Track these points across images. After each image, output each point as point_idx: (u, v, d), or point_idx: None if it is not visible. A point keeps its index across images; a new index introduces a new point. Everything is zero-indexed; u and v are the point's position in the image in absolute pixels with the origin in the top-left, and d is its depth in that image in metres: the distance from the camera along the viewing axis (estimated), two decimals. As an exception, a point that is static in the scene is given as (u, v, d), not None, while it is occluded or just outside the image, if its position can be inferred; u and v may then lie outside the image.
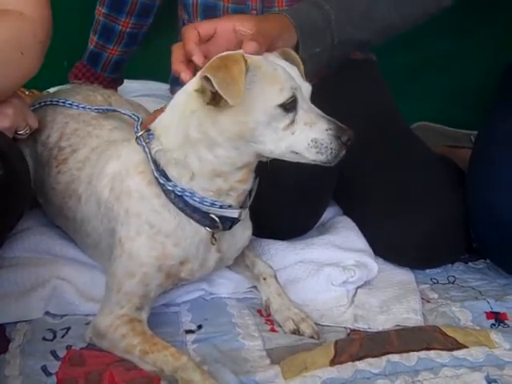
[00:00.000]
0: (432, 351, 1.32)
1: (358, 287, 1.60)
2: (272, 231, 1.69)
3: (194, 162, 1.34)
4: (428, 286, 1.65)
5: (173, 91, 2.22)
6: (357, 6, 1.58)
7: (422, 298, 1.57)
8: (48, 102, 1.71)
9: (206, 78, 1.23)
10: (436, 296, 1.60)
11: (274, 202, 1.63)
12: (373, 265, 1.63)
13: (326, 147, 1.27)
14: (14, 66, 1.41)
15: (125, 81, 2.35)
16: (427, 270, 1.71)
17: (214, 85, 1.21)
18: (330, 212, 1.85)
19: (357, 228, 1.76)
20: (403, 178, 1.75)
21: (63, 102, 1.69)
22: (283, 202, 1.65)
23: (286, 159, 1.32)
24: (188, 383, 1.23)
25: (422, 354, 1.32)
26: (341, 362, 1.30)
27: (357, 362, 1.30)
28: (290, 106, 1.26)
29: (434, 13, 1.73)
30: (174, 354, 1.28)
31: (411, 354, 1.32)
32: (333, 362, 1.30)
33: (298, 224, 1.73)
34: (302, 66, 1.37)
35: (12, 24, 1.44)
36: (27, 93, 2.03)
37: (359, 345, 1.34)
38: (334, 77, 1.92)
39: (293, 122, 1.27)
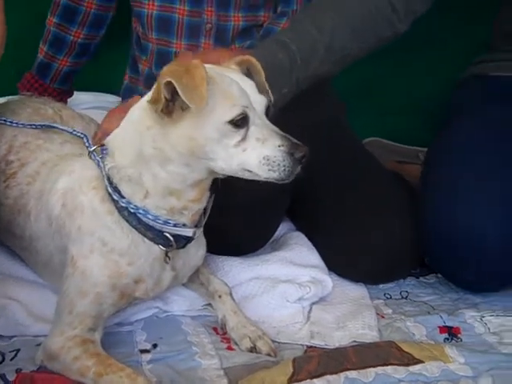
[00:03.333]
0: (389, 367, 1.33)
1: (313, 303, 1.60)
2: (225, 248, 1.67)
3: (148, 179, 1.31)
4: (382, 301, 1.66)
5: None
6: (320, 40, 1.60)
7: (377, 314, 1.58)
8: None
9: (168, 84, 1.20)
10: (390, 311, 1.61)
11: (226, 219, 1.61)
12: (327, 281, 1.63)
13: (279, 164, 1.25)
14: None
15: (75, 92, 2.30)
16: (380, 286, 1.73)
17: (178, 90, 1.18)
18: (283, 228, 1.85)
19: (310, 244, 1.76)
20: (355, 194, 1.76)
21: (4, 121, 1.63)
22: (236, 219, 1.64)
23: (239, 176, 1.30)
24: (145, 405, 1.21)
25: (379, 369, 1.32)
26: (299, 380, 1.29)
27: (315, 380, 1.29)
28: (240, 123, 1.24)
29: (391, 38, 1.76)
30: (129, 375, 1.25)
31: (368, 370, 1.32)
32: (291, 380, 1.29)
33: (251, 241, 1.72)
34: (262, 75, 1.35)
35: None
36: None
37: (317, 362, 1.33)
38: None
39: (244, 138, 1.25)
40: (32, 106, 1.73)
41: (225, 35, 1.93)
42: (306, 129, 1.77)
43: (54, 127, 1.61)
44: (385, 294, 1.69)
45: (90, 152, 1.40)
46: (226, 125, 1.23)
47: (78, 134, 1.53)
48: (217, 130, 1.23)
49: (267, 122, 1.29)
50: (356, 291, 1.67)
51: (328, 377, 1.30)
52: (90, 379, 1.27)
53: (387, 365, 1.33)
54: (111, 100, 2.39)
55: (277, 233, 1.81)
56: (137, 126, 1.32)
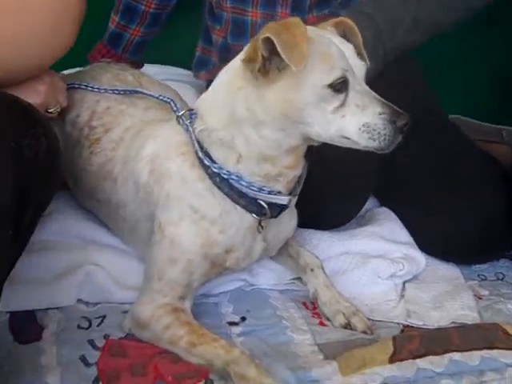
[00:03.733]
0: (495, 350, 1.25)
1: (406, 281, 1.52)
2: (313, 221, 1.60)
3: (241, 143, 1.24)
4: (476, 282, 1.58)
5: (197, 75, 2.15)
6: (406, 10, 1.52)
7: (474, 295, 1.50)
8: (69, 85, 1.60)
9: (266, 40, 1.12)
10: (487, 293, 1.53)
11: (315, 190, 1.54)
12: (420, 258, 1.56)
13: (379, 133, 1.17)
14: (52, 38, 1.32)
15: (145, 65, 2.25)
16: (473, 266, 1.64)
17: (277, 47, 1.10)
18: (367, 203, 1.76)
19: (399, 220, 1.68)
20: (448, 171, 1.67)
21: (85, 86, 1.59)
22: (325, 189, 1.56)
23: (336, 144, 1.22)
24: (242, 378, 1.15)
25: (485, 352, 1.25)
26: (401, 360, 1.22)
27: (417, 360, 1.22)
28: (340, 87, 1.16)
29: (479, 7, 1.67)
30: (224, 346, 1.20)
31: (473, 352, 1.25)
32: (392, 359, 1.22)
33: (340, 213, 1.64)
34: (360, 39, 1.27)
35: None
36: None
37: (419, 342, 1.26)
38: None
39: (343, 104, 1.17)
40: (111, 71, 1.68)
41: (302, 4, 1.86)
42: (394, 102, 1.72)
43: (139, 92, 1.55)
44: (479, 275, 1.61)
45: (178, 117, 1.34)
46: (324, 88, 1.16)
47: (165, 99, 1.48)
48: (315, 93, 1.16)
49: (367, 87, 1.21)
50: (448, 271, 1.59)
51: (431, 358, 1.24)
52: (182, 349, 1.22)
53: (493, 348, 1.26)
54: (180, 73, 2.35)
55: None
56: (228, 86, 1.25)
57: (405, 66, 1.95)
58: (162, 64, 2.41)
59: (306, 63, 1.11)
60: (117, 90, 1.57)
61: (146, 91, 1.56)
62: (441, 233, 1.60)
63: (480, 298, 1.49)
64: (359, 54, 1.25)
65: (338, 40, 1.23)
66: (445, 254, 1.63)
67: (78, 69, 1.90)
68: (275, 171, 1.26)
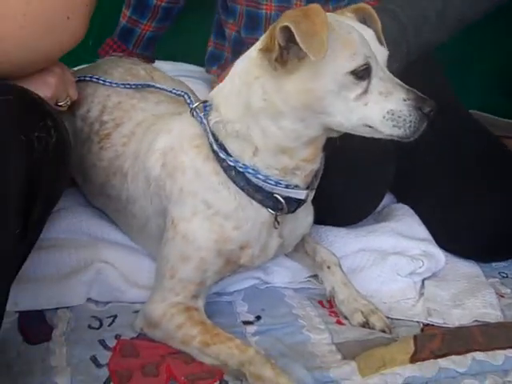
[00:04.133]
0: (519, 350, 1.21)
1: (424, 279, 1.48)
2: (329, 217, 1.56)
3: (258, 135, 1.20)
4: (497, 280, 1.53)
5: (209, 70, 2.12)
6: (431, 7, 1.48)
7: (495, 293, 1.45)
8: (81, 78, 1.58)
9: (284, 29, 1.08)
10: (509, 291, 1.48)
11: (332, 186, 1.50)
12: (440, 255, 1.51)
13: (405, 120, 1.12)
14: (60, 31, 1.30)
15: (156, 61, 2.22)
16: (493, 264, 1.59)
17: (296, 36, 1.06)
18: (385, 199, 1.72)
19: (417, 216, 1.63)
20: (467, 166, 1.62)
21: (97, 79, 1.56)
22: (342, 185, 1.53)
23: (358, 134, 1.18)
24: (258, 378, 1.11)
25: (509, 352, 1.21)
26: (422, 359, 1.18)
27: (439, 360, 1.19)
28: (362, 74, 1.12)
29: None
30: (239, 346, 1.16)
31: (497, 351, 1.21)
32: (413, 359, 1.19)
33: (358, 209, 1.60)
34: (379, 25, 1.22)
35: None
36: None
37: (441, 341, 1.22)
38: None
39: (366, 91, 1.13)
40: (123, 66, 1.65)
41: None
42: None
43: (151, 86, 1.52)
44: (500, 273, 1.56)
45: (192, 109, 1.30)
46: (346, 76, 1.11)
47: (178, 92, 1.44)
48: (336, 81, 1.12)
49: (390, 74, 1.17)
50: (468, 268, 1.54)
51: (453, 357, 1.20)
52: (195, 348, 1.19)
53: (516, 347, 1.21)
54: (191, 69, 2.31)
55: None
56: (244, 76, 1.20)
57: (425, 62, 1.92)
58: (173, 60, 2.38)
59: (326, 52, 1.07)
60: (129, 84, 1.54)
61: (158, 85, 1.53)
62: (460, 229, 1.55)
63: (502, 297, 1.45)
64: (379, 40, 1.21)
65: (358, 26, 1.18)
66: (464, 251, 1.58)
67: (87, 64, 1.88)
68: (293, 164, 1.22)
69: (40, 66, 1.32)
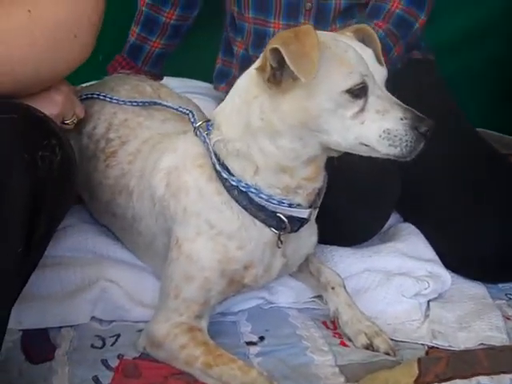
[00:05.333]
0: (525, 374, 1.19)
1: (429, 300, 1.47)
2: (334, 237, 1.55)
3: (257, 153, 1.20)
4: (504, 301, 1.51)
5: (217, 87, 2.12)
6: None
7: (502, 315, 1.43)
8: (88, 95, 1.58)
9: (274, 51, 1.09)
10: (515, 313, 1.47)
11: (337, 206, 1.50)
12: (446, 276, 1.50)
13: (401, 139, 1.12)
14: (68, 48, 1.31)
15: (164, 77, 2.23)
16: (500, 285, 1.57)
17: (286, 58, 1.06)
18: (391, 219, 1.71)
19: (423, 236, 1.62)
20: (473, 185, 1.61)
21: (104, 96, 1.56)
22: (348, 205, 1.52)
23: (355, 153, 1.18)
24: (260, 401, 1.10)
25: (515, 376, 1.19)
26: (426, 383, 1.16)
27: (443, 384, 1.17)
28: (358, 92, 1.12)
29: None
30: (242, 367, 1.15)
31: (502, 376, 1.19)
32: (417, 383, 1.16)
33: (363, 229, 1.59)
34: (379, 45, 1.22)
35: (65, 5, 1.33)
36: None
37: (445, 364, 1.20)
38: (392, 77, 1.81)
39: (363, 109, 1.13)
40: (130, 83, 1.66)
41: (325, 15, 1.83)
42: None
43: (158, 104, 1.52)
44: (506, 295, 1.54)
45: (195, 128, 1.31)
46: (342, 94, 1.11)
47: (184, 110, 1.45)
48: (332, 99, 1.11)
49: (387, 93, 1.16)
50: (475, 289, 1.53)
51: (458, 381, 1.18)
52: (198, 369, 1.18)
53: (523, 371, 1.20)
54: (201, 85, 2.33)
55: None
56: (244, 95, 1.21)
57: (429, 79, 1.92)
58: (182, 77, 2.39)
59: (316, 73, 1.07)
60: (135, 101, 1.54)
61: (164, 102, 1.54)
62: (467, 250, 1.54)
63: (508, 319, 1.43)
64: (378, 60, 1.21)
65: (356, 45, 1.18)
66: (471, 272, 1.56)
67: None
68: (294, 183, 1.22)
69: (47, 84, 1.33)
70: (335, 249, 1.55)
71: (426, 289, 1.44)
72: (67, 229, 1.51)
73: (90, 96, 1.59)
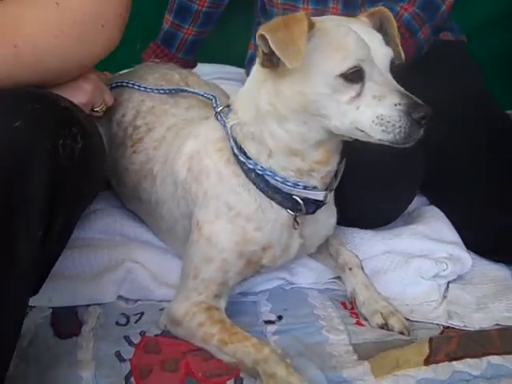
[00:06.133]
0: (538, 354, 1.20)
1: (449, 282, 1.48)
2: (356, 219, 1.58)
3: (268, 137, 1.23)
4: (526, 283, 1.51)
5: (249, 73, 2.15)
6: None
7: (522, 297, 1.43)
8: (118, 83, 1.64)
9: (262, 37, 1.11)
10: (537, 295, 1.46)
11: (359, 189, 1.52)
12: (467, 258, 1.50)
13: (394, 125, 1.11)
14: (94, 39, 1.35)
15: (198, 64, 2.27)
16: (525, 267, 1.57)
17: (271, 44, 1.09)
18: (416, 202, 1.72)
19: (447, 219, 1.63)
20: (501, 167, 1.60)
21: (132, 84, 1.62)
22: (370, 188, 1.54)
23: (354, 137, 1.18)
24: (271, 377, 1.14)
25: (528, 356, 1.20)
26: (436, 362, 1.19)
27: (454, 363, 1.19)
28: (353, 77, 1.12)
29: None
30: (255, 345, 1.19)
31: (515, 356, 1.20)
32: (427, 361, 1.19)
33: (384, 212, 1.61)
34: (394, 25, 1.23)
35: None
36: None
37: (456, 343, 1.22)
38: (424, 59, 1.81)
39: (359, 94, 1.13)
40: (159, 71, 1.71)
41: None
42: (444, 95, 1.67)
43: (183, 90, 1.57)
44: (530, 277, 1.54)
45: (216, 113, 1.35)
46: (337, 79, 1.12)
47: (208, 96, 1.49)
48: (328, 84, 1.13)
49: (389, 78, 1.16)
50: (497, 271, 1.53)
51: (469, 360, 1.20)
52: (214, 346, 1.23)
53: (536, 352, 1.20)
54: (234, 71, 2.35)
55: (409, 206, 1.68)
56: (255, 79, 1.25)
57: (461, 60, 1.91)
58: (215, 63, 2.43)
59: (303, 59, 1.09)
60: (162, 89, 1.59)
61: (190, 89, 1.58)
62: (489, 231, 1.54)
63: (528, 301, 1.43)
64: (394, 43, 1.22)
65: (364, 30, 1.18)
66: (493, 254, 1.56)
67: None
68: (306, 166, 1.24)
69: (74, 74, 1.38)
70: (356, 231, 1.57)
71: (444, 270, 1.45)
72: (97, 212, 1.58)
73: (119, 84, 1.64)
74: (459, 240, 1.57)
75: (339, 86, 1.13)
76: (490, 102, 1.83)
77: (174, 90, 1.59)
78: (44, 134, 1.08)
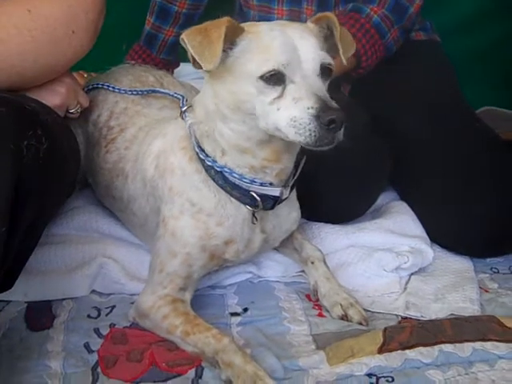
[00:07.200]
0: (488, 342, 1.25)
1: (412, 274, 1.52)
2: (323, 214, 1.63)
3: (218, 135, 1.29)
4: (487, 275, 1.56)
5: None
6: None
7: (480, 288, 1.48)
8: (94, 86, 1.69)
9: (183, 41, 1.17)
10: (496, 286, 1.51)
11: (325, 185, 1.57)
12: (428, 251, 1.55)
13: (305, 128, 1.14)
14: (65, 44, 1.40)
15: (181, 64, 2.32)
16: (487, 259, 1.62)
17: (187, 47, 1.16)
18: (386, 197, 1.78)
19: (412, 213, 1.68)
20: (466, 163, 1.64)
21: (107, 86, 1.67)
22: (335, 184, 1.59)
23: (281, 137, 1.21)
24: (228, 365, 1.20)
25: (478, 344, 1.25)
26: (389, 350, 1.24)
27: (407, 351, 1.24)
28: (273, 80, 1.16)
29: None
30: (215, 335, 1.25)
31: (465, 344, 1.25)
32: (381, 350, 1.24)
33: (350, 208, 1.66)
34: (338, 29, 1.24)
35: (64, 2, 1.43)
36: (85, 75, 2.04)
37: (409, 332, 1.27)
38: (396, 58, 1.85)
39: (281, 96, 1.17)
40: (133, 73, 1.76)
41: (327, 0, 1.88)
42: (416, 94, 1.72)
43: (155, 91, 1.63)
44: (491, 269, 1.59)
45: (181, 112, 1.40)
46: (258, 80, 1.17)
47: (177, 96, 1.54)
48: (253, 85, 1.18)
49: (312, 81, 1.18)
50: (460, 264, 1.58)
51: (421, 348, 1.24)
52: (178, 337, 1.28)
53: (486, 340, 1.26)
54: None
55: (379, 202, 1.74)
56: (205, 79, 1.30)
57: (433, 59, 1.95)
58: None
59: (218, 62, 1.14)
60: (135, 90, 1.64)
61: (161, 90, 1.63)
62: (452, 224, 1.59)
63: (486, 291, 1.48)
64: (336, 48, 1.25)
65: (299, 35, 1.20)
66: (457, 247, 1.61)
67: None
68: (258, 164, 1.29)
69: (47, 78, 1.43)
70: (322, 225, 1.62)
71: (405, 263, 1.50)
72: (74, 210, 1.64)
73: (95, 86, 1.70)
74: (423, 234, 1.62)
75: (262, 88, 1.17)
76: (461, 100, 1.87)
77: (146, 91, 1.64)
78: (7, 135, 1.13)
